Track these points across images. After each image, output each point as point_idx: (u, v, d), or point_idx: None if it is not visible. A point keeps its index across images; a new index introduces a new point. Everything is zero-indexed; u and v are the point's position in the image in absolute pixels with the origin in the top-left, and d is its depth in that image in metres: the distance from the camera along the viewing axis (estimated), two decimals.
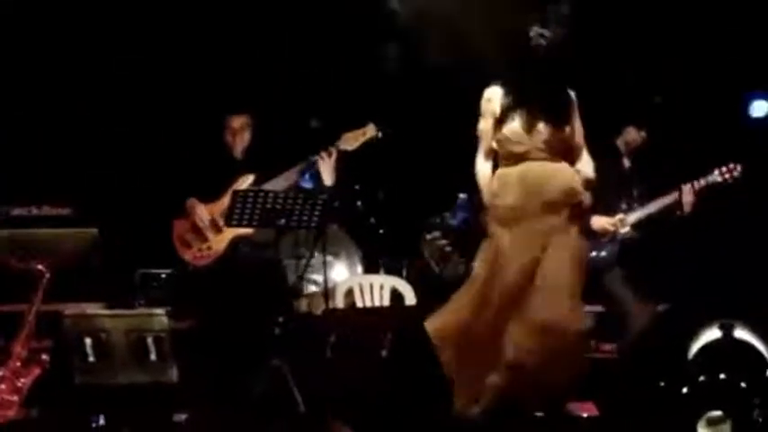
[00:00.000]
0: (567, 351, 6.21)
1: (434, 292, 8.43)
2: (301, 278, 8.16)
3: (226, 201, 7.41)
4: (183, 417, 7.20)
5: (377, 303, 8.24)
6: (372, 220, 8.94)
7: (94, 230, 7.56)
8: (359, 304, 8.25)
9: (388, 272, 8.66)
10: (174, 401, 7.27)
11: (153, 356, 7.32)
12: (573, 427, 6.43)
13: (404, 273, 8.70)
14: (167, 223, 7.71)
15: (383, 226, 8.91)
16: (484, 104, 6.38)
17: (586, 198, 6.39)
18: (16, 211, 7.99)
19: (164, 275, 8.41)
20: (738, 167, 7.60)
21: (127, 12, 9.19)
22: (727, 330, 6.89)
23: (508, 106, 6.29)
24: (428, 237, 8.44)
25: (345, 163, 7.70)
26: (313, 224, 7.33)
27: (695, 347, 6.96)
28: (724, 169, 7.61)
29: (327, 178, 7.53)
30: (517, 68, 6.35)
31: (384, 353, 7.40)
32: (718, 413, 6.15)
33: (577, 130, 6.39)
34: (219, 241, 7.61)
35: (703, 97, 8.96)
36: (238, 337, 7.45)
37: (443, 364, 6.47)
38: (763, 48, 8.85)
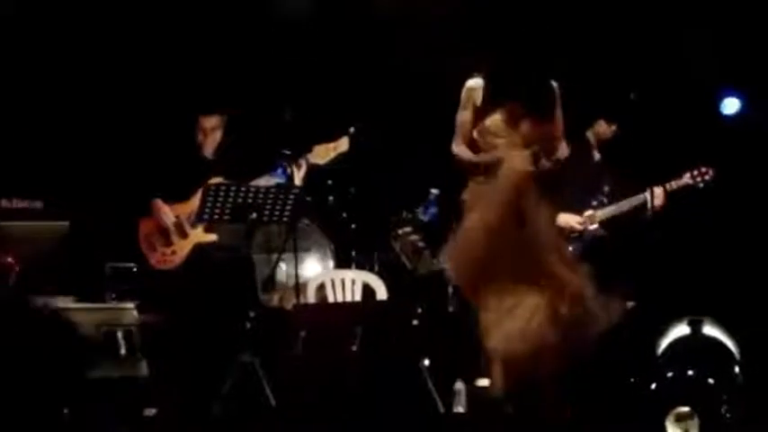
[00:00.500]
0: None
1: (406, 287, 8.45)
2: (272, 273, 8.14)
3: (194, 202, 7.38)
4: (153, 411, 7.20)
5: (348, 298, 8.24)
6: (344, 214, 8.93)
7: (65, 224, 7.54)
8: (330, 299, 8.25)
9: (360, 267, 8.65)
10: (145, 396, 7.26)
11: (123, 351, 7.31)
12: (542, 423, 6.44)
13: (375, 268, 8.69)
14: (136, 218, 7.68)
15: (355, 221, 8.90)
16: (465, 95, 6.35)
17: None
18: None
19: (134, 269, 8.37)
20: (710, 172, 7.61)
21: (98, 8, 9.16)
22: (696, 327, 6.92)
23: (490, 98, 6.27)
24: (400, 232, 8.43)
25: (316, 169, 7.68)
26: (284, 219, 7.33)
27: (664, 344, 6.98)
28: (695, 172, 7.62)
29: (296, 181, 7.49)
30: (500, 61, 6.34)
31: (355, 348, 7.39)
32: (686, 409, 6.18)
33: (558, 122, 6.38)
34: (183, 246, 7.57)
35: (676, 94, 8.97)
36: (209, 332, 7.43)
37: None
38: (735, 45, 8.88)
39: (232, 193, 7.14)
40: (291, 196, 7.24)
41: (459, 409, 7.33)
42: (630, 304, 7.68)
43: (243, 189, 7.15)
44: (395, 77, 9.15)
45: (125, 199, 8.12)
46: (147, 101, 9.14)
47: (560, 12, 8.76)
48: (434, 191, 8.31)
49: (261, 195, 7.17)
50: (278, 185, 7.40)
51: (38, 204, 7.95)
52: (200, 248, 7.56)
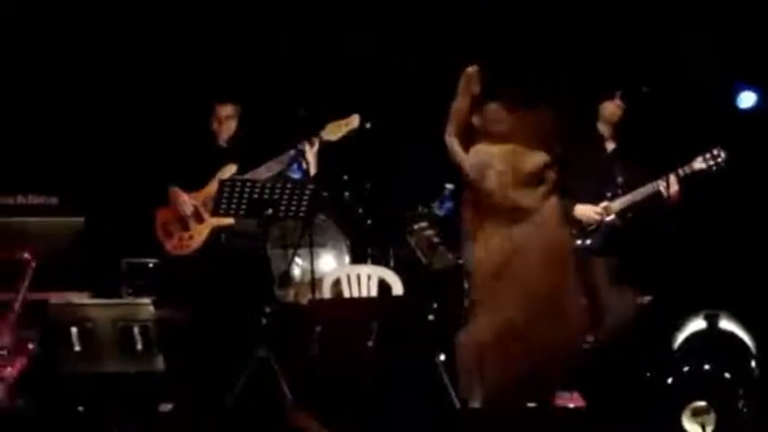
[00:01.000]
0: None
1: (422, 282, 8.44)
2: (288, 268, 8.15)
3: (209, 190, 7.41)
4: (168, 406, 7.21)
5: (364, 294, 8.24)
6: (360, 210, 8.93)
7: (81, 219, 7.55)
8: (346, 294, 8.24)
9: (376, 262, 8.65)
10: (160, 391, 7.27)
11: (139, 346, 7.31)
12: (560, 418, 6.43)
13: (391, 263, 8.69)
14: (153, 213, 7.71)
15: (370, 216, 8.90)
16: (463, 82, 6.33)
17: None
18: (2, 200, 7.98)
19: (150, 265, 8.40)
20: (722, 153, 7.53)
21: (113, 1, 9.18)
22: (713, 321, 6.91)
23: (490, 85, 6.23)
24: (415, 227, 8.42)
25: (333, 153, 7.69)
26: (300, 214, 7.33)
27: (680, 338, 6.97)
28: (708, 156, 7.53)
29: (310, 168, 7.52)
30: (501, 49, 6.32)
31: (370, 343, 7.39)
32: (702, 404, 6.17)
33: (564, 110, 6.31)
34: (200, 231, 7.60)
35: (691, 87, 8.95)
36: (224, 328, 7.44)
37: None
38: (753, 39, 8.86)
39: (248, 189, 7.15)
40: (307, 192, 7.24)
41: (476, 404, 7.31)
42: (647, 298, 7.68)
43: (259, 184, 7.16)
44: (409, 73, 9.15)
45: (141, 188, 8.15)
46: (159, 92, 9.16)
47: (578, 8, 8.77)
48: (449, 185, 8.29)
49: (277, 191, 7.18)
50: (294, 181, 7.40)
51: (53, 200, 7.98)
52: (217, 232, 7.58)
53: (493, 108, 6.20)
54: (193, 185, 7.66)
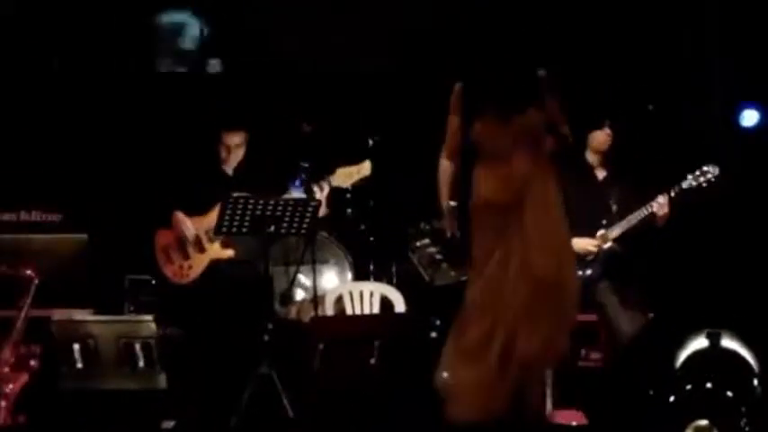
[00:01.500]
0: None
1: (424, 299, 8.44)
2: (291, 285, 8.15)
3: (211, 217, 7.39)
4: (171, 424, 7.20)
5: (366, 311, 8.23)
6: (362, 227, 8.94)
7: (84, 236, 7.56)
8: (348, 312, 8.24)
9: (378, 279, 8.65)
10: (163, 408, 7.27)
11: (141, 363, 7.33)
12: None
13: (393, 280, 8.69)
14: (152, 232, 7.70)
15: (373, 233, 8.91)
16: (453, 100, 6.36)
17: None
18: (5, 217, 8.01)
19: (153, 282, 8.40)
20: (714, 169, 7.54)
21: (121, 20, 9.21)
22: (715, 339, 6.88)
23: (476, 101, 6.25)
24: (417, 244, 8.43)
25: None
26: (303, 231, 7.33)
27: (682, 356, 6.95)
28: (698, 173, 7.55)
29: (320, 208, 7.48)
30: (479, 62, 6.33)
31: (373, 360, 7.39)
32: (704, 422, 6.15)
33: (551, 109, 6.30)
34: (199, 261, 7.58)
35: (695, 106, 8.97)
36: (227, 345, 7.44)
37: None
38: (755, 58, 8.88)
39: (251, 206, 7.15)
40: (310, 209, 7.24)
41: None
42: (649, 316, 7.68)
43: (261, 202, 7.17)
44: (412, 89, 9.16)
45: (144, 211, 8.14)
46: (166, 115, 9.17)
47: (577, 25, 8.79)
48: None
49: (279, 208, 7.18)
50: (296, 198, 7.40)
51: (56, 217, 8.00)
52: (216, 264, 7.57)
53: (483, 121, 6.21)
54: (196, 211, 7.63)
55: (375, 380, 7.34)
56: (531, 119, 6.18)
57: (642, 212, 7.58)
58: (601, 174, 7.83)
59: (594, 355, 7.87)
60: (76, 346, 7.29)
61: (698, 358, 6.87)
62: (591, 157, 7.81)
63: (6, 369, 6.54)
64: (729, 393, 6.37)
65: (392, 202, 9.01)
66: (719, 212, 8.20)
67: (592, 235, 7.65)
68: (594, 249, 7.60)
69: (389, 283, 8.60)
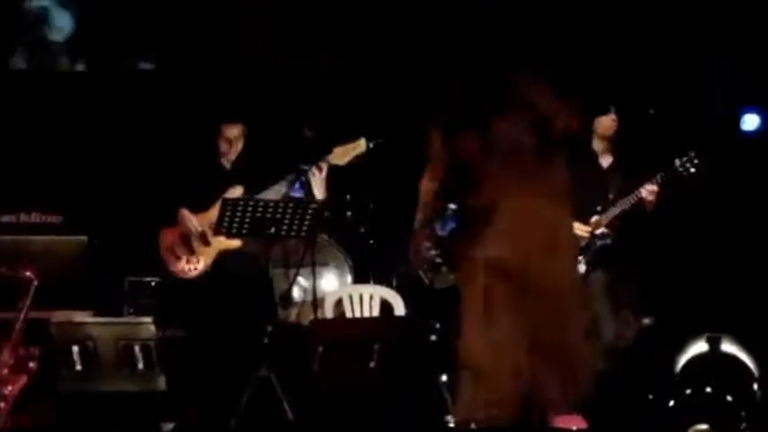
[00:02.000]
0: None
1: (424, 302, 8.43)
2: (290, 288, 8.14)
3: (214, 212, 7.38)
4: (170, 426, 7.20)
5: (366, 314, 8.23)
6: (362, 229, 8.93)
7: (83, 238, 7.55)
8: (348, 315, 8.24)
9: (378, 282, 8.64)
10: (162, 410, 7.26)
11: (140, 365, 7.31)
12: None
13: (393, 283, 8.69)
14: (156, 232, 7.69)
15: (373, 236, 8.90)
16: (431, 140, 6.42)
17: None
18: (5, 218, 8.00)
19: (153, 283, 8.39)
20: (695, 153, 7.54)
21: (119, 19, 9.20)
22: (714, 344, 6.90)
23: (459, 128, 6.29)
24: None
25: (336, 173, 7.69)
26: (303, 233, 7.33)
27: (682, 361, 6.96)
28: (685, 159, 7.56)
29: (319, 192, 7.50)
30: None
31: (373, 364, 7.38)
32: (704, 426, 6.16)
33: (543, 103, 6.28)
34: (207, 254, 7.56)
35: (696, 109, 8.97)
36: (226, 347, 7.44)
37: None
38: (756, 62, 8.88)
39: (250, 208, 7.14)
40: (310, 211, 7.24)
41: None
42: (648, 321, 7.68)
43: (261, 204, 7.16)
44: (412, 92, 9.15)
45: (144, 213, 8.14)
46: (164, 112, 9.17)
47: (578, 27, 8.78)
48: (452, 206, 8.29)
49: (279, 210, 7.17)
50: (296, 200, 7.40)
51: (56, 219, 7.99)
52: (222, 259, 7.56)
53: (461, 144, 6.24)
54: (197, 207, 7.63)
55: (375, 383, 7.32)
56: (504, 126, 6.17)
57: (632, 198, 7.62)
58: (606, 161, 7.90)
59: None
60: (76, 348, 7.28)
61: (698, 362, 6.88)
62: (597, 144, 7.88)
63: (5, 371, 6.51)
64: (729, 397, 6.38)
65: (392, 204, 9.00)
66: (720, 216, 8.19)
67: (586, 222, 7.66)
68: (586, 235, 7.61)
69: (389, 286, 8.60)
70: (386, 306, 8.27)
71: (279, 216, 7.17)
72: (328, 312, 8.18)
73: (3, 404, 6.47)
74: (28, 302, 6.66)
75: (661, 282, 8.23)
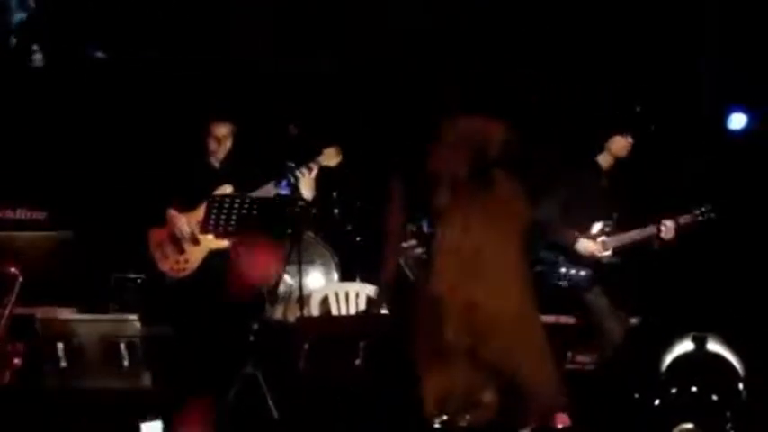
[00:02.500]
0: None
1: (410, 300, 8.42)
2: (276, 285, 8.13)
3: (201, 211, 7.36)
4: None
5: (352, 311, 8.22)
6: (349, 227, 8.92)
7: (68, 234, 7.53)
8: (334, 312, 8.23)
9: (364, 280, 8.63)
10: (147, 407, 7.24)
11: (126, 362, 7.30)
12: None
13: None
14: (143, 230, 7.66)
15: (359, 234, 8.89)
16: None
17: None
18: None
19: (138, 280, 8.37)
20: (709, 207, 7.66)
21: (108, 16, 9.18)
22: (700, 343, 6.91)
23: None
24: (404, 245, 8.41)
25: (324, 171, 7.68)
26: (289, 231, 7.31)
27: (668, 360, 6.97)
28: (704, 209, 7.64)
29: (308, 192, 7.47)
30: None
31: (358, 361, 7.38)
32: (690, 426, 6.16)
33: (473, 129, 6.35)
34: (196, 253, 7.54)
35: (683, 109, 8.98)
36: (212, 344, 7.42)
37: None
38: (744, 61, 8.89)
39: (236, 205, 7.13)
40: (296, 209, 7.22)
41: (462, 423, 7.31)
42: (635, 320, 7.68)
43: (247, 201, 7.14)
44: (399, 92, 9.16)
45: (130, 203, 8.11)
46: (153, 110, 9.15)
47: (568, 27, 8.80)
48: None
49: (265, 207, 7.16)
50: (282, 197, 7.38)
51: (41, 214, 7.96)
52: (213, 255, 7.54)
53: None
54: (186, 205, 7.60)
55: (360, 380, 7.31)
56: (440, 162, 6.28)
57: (647, 231, 7.61)
58: (605, 182, 7.81)
59: (580, 359, 7.86)
60: (60, 345, 7.27)
61: (683, 362, 6.89)
62: (603, 160, 7.78)
63: None
64: (714, 397, 6.39)
65: (379, 202, 9.00)
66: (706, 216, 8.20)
67: (588, 237, 7.64)
68: (598, 255, 7.59)
69: (375, 283, 8.59)
70: (372, 303, 8.26)
71: (265, 213, 7.15)
72: (314, 310, 8.18)
73: None
74: (13, 298, 6.68)
75: (647, 281, 8.23)
